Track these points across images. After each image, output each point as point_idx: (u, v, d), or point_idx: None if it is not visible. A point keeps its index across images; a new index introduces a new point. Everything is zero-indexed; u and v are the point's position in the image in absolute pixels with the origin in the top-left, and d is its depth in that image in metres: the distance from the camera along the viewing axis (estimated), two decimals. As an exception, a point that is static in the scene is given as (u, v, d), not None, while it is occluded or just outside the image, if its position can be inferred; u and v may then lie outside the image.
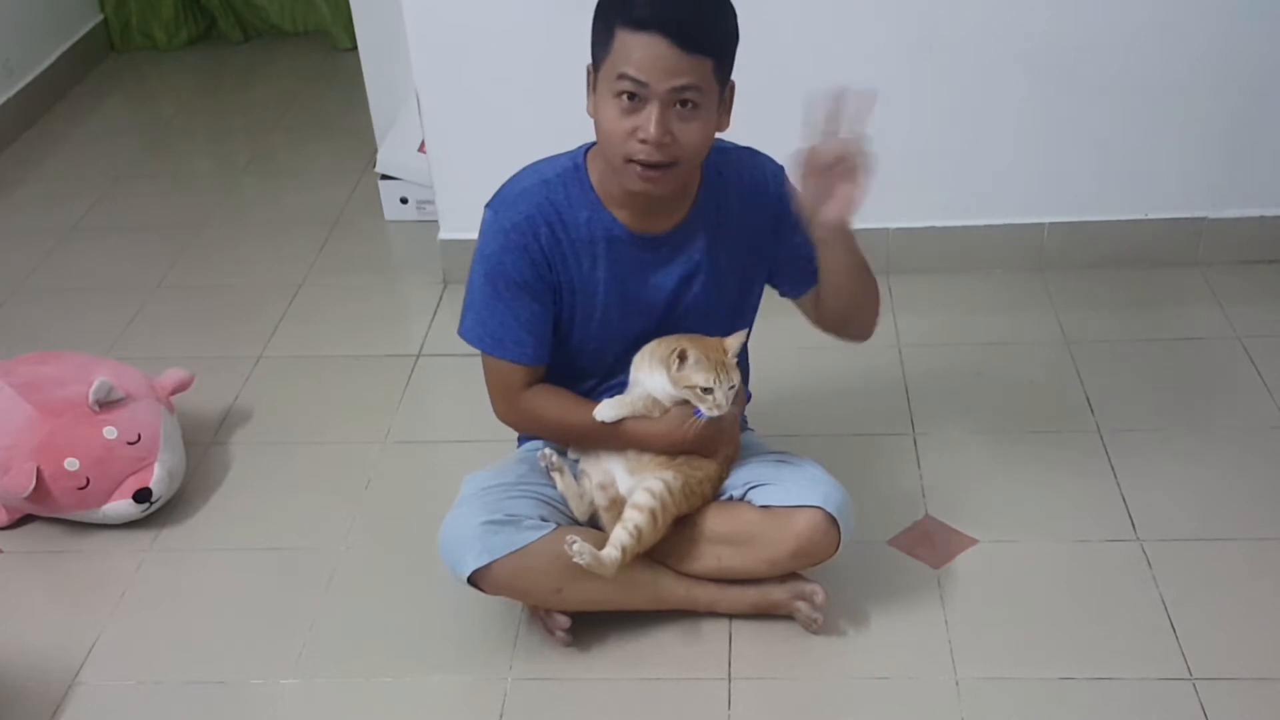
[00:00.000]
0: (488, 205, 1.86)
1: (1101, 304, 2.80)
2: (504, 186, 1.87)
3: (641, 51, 1.65)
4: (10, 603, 2.19)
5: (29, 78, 4.10)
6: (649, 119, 1.67)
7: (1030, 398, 2.53)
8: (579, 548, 1.81)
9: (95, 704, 1.97)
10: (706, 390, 1.83)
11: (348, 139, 3.80)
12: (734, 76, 2.48)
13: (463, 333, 1.91)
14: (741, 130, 2.59)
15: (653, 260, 1.87)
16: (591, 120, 1.77)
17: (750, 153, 1.92)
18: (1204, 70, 2.69)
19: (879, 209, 2.88)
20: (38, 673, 2.02)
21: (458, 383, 2.67)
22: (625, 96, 1.68)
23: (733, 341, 1.86)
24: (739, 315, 1.98)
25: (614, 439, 1.91)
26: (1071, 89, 2.72)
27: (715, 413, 1.84)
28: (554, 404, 1.92)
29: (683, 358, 1.82)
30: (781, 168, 1.90)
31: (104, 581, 2.21)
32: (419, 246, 3.17)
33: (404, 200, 3.34)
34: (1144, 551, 2.11)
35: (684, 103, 1.69)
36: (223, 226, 3.43)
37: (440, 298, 2.99)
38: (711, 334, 1.90)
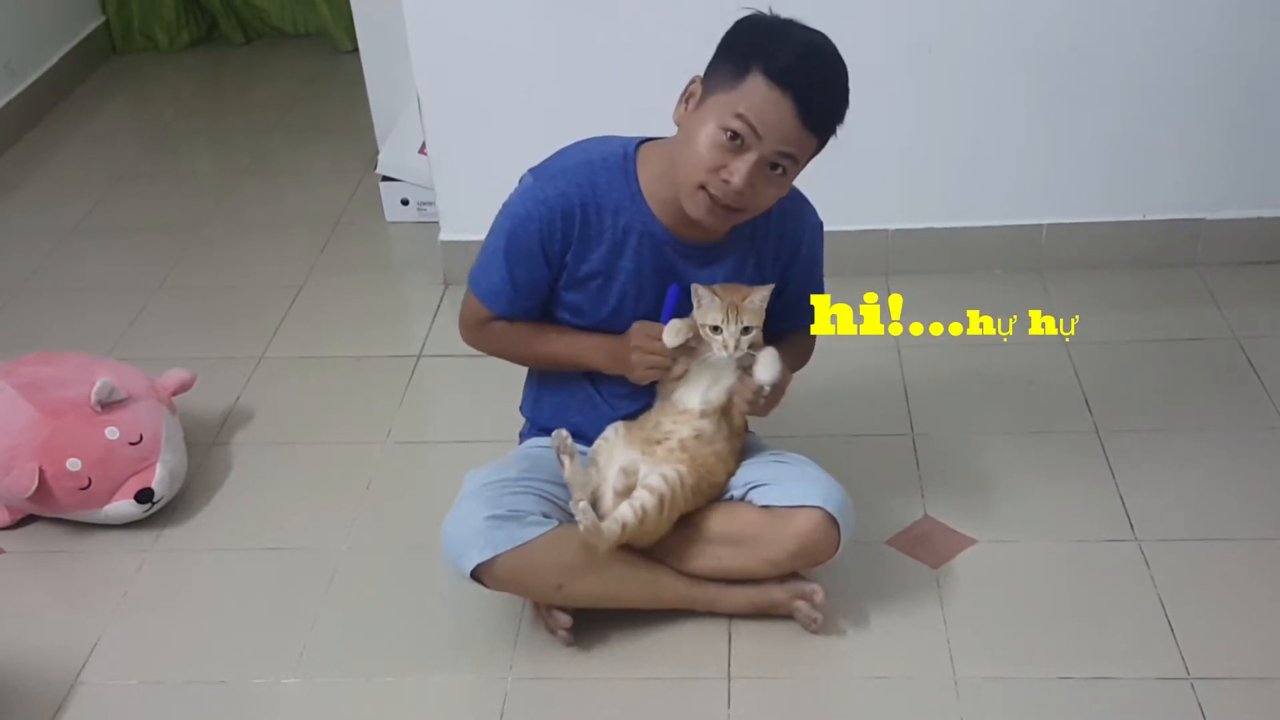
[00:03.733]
0: (531, 170, 1.89)
1: (1100, 305, 2.81)
2: (551, 157, 1.90)
3: (768, 105, 1.68)
4: (12, 603, 2.20)
5: (31, 79, 4.11)
6: (742, 166, 1.71)
7: (1029, 398, 2.53)
8: (584, 506, 1.83)
9: (97, 704, 1.97)
10: (715, 329, 1.85)
11: (349, 140, 3.80)
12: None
13: (472, 277, 1.97)
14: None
15: (682, 265, 1.90)
16: (667, 126, 1.80)
17: (802, 198, 1.96)
18: (1204, 70, 2.70)
19: (879, 209, 2.92)
20: (39, 672, 2.02)
21: (459, 383, 2.68)
22: (730, 134, 1.70)
23: (758, 292, 1.87)
24: None
25: (561, 358, 1.96)
26: (1071, 90, 2.73)
27: (723, 354, 1.86)
28: (516, 330, 1.97)
29: (701, 296, 1.86)
30: (821, 223, 2.00)
31: (106, 581, 2.21)
32: (420, 248, 3.18)
33: (405, 201, 3.34)
34: (1142, 551, 2.12)
35: (777, 166, 1.73)
36: (224, 227, 3.44)
37: (441, 298, 3.00)
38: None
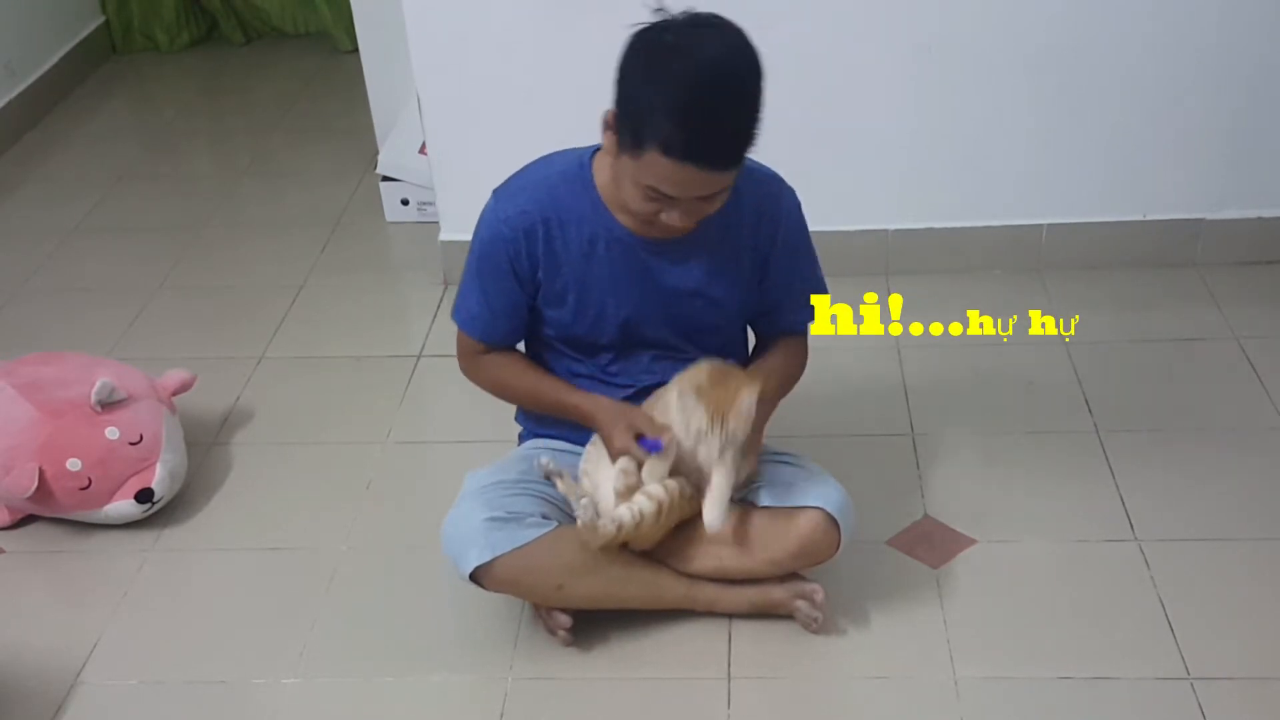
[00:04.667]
0: (494, 190, 1.89)
1: (1100, 305, 2.81)
2: (511, 177, 1.90)
3: (674, 177, 1.65)
4: (12, 603, 2.20)
5: (31, 79, 4.11)
6: (677, 213, 1.71)
7: (1029, 398, 2.53)
8: (586, 503, 1.84)
9: (97, 704, 1.97)
10: (699, 433, 1.80)
11: (349, 140, 3.80)
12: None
13: (454, 313, 1.98)
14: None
15: (655, 264, 1.88)
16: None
17: (774, 178, 1.92)
18: (1204, 71, 2.69)
19: (879, 209, 2.92)
20: (40, 672, 2.02)
21: (459, 383, 2.65)
22: (651, 195, 1.69)
23: (747, 396, 1.78)
24: (735, 319, 2.00)
25: (556, 409, 1.95)
26: (1071, 90, 2.73)
27: (707, 459, 1.82)
28: (512, 369, 1.98)
29: (688, 396, 1.80)
30: (798, 203, 1.94)
31: (106, 581, 2.21)
32: (420, 248, 3.18)
33: (405, 201, 3.34)
34: (1142, 551, 2.12)
35: (709, 198, 1.71)
36: (224, 227, 3.44)
37: (441, 299, 3.00)
38: (709, 333, 1.93)
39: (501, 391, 2.04)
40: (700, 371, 1.84)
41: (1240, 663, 1.90)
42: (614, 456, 1.87)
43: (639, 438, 1.84)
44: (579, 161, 1.86)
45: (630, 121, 1.66)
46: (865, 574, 2.08)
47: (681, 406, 1.81)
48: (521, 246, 1.85)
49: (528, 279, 1.88)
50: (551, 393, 1.96)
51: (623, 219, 1.84)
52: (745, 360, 2.07)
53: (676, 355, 1.95)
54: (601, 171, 1.84)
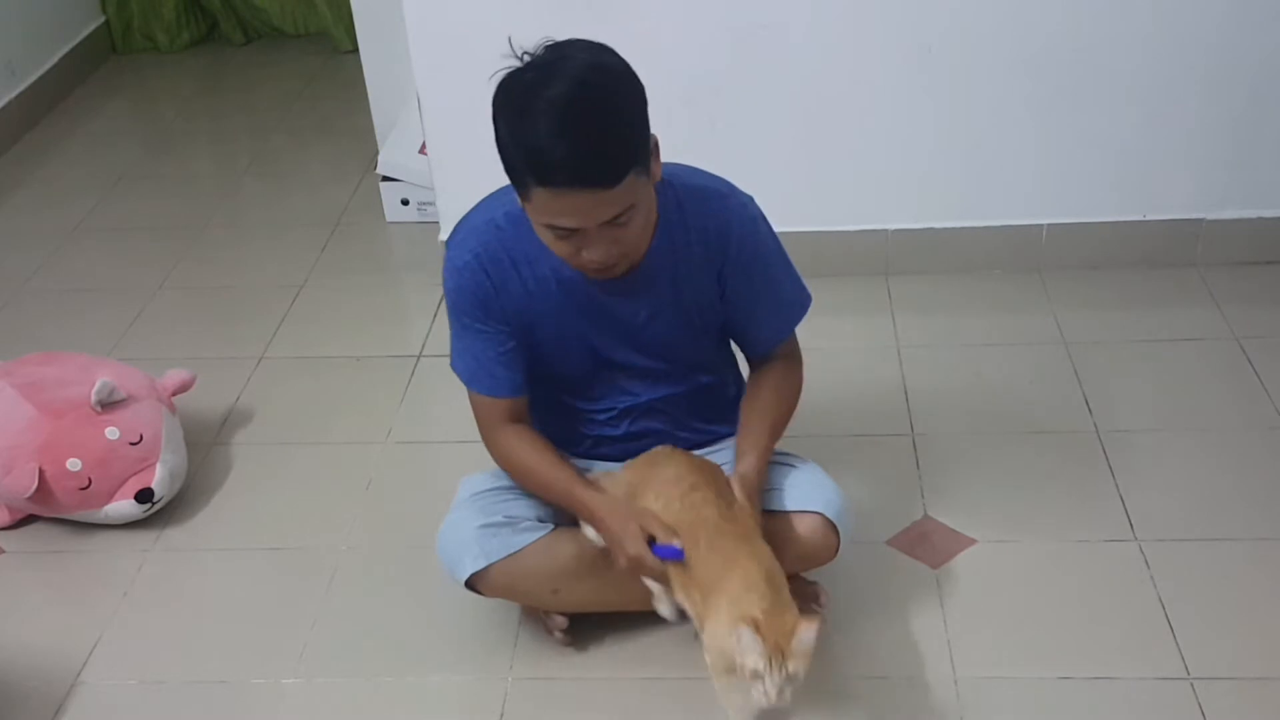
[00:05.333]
0: (446, 241, 1.84)
1: (1100, 305, 2.81)
2: (460, 221, 1.85)
3: (566, 207, 1.58)
4: (12, 603, 2.20)
5: (31, 79, 4.11)
6: (590, 246, 1.63)
7: (1029, 398, 2.53)
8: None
9: (97, 704, 1.97)
10: (755, 674, 1.59)
11: (349, 141, 3.80)
12: (733, 76, 2.48)
13: (452, 364, 1.91)
14: (741, 128, 2.61)
15: (611, 301, 1.82)
16: None
17: (719, 194, 1.82)
18: (1204, 70, 2.69)
19: (879, 209, 2.92)
20: (40, 672, 2.02)
21: (458, 384, 2.66)
22: (557, 233, 1.63)
23: (806, 632, 1.61)
24: (704, 336, 1.93)
25: (565, 501, 1.86)
26: (1071, 90, 2.73)
27: (762, 702, 1.60)
28: (526, 453, 1.87)
29: (742, 634, 1.59)
30: (753, 214, 1.83)
31: (106, 581, 2.21)
32: (420, 248, 3.18)
33: (405, 202, 3.34)
34: (1142, 551, 2.12)
35: (619, 221, 1.62)
36: (224, 228, 3.44)
37: (441, 298, 2.99)
38: (676, 357, 1.89)
39: (517, 473, 1.90)
40: (751, 595, 1.64)
41: (1240, 663, 1.90)
42: (625, 565, 1.75)
43: (651, 541, 1.73)
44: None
45: (512, 169, 1.61)
46: (865, 574, 2.08)
47: (736, 642, 1.60)
48: (486, 286, 1.79)
49: (499, 317, 1.82)
50: (560, 483, 1.84)
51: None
52: (726, 377, 2.02)
53: (652, 374, 1.92)
54: None
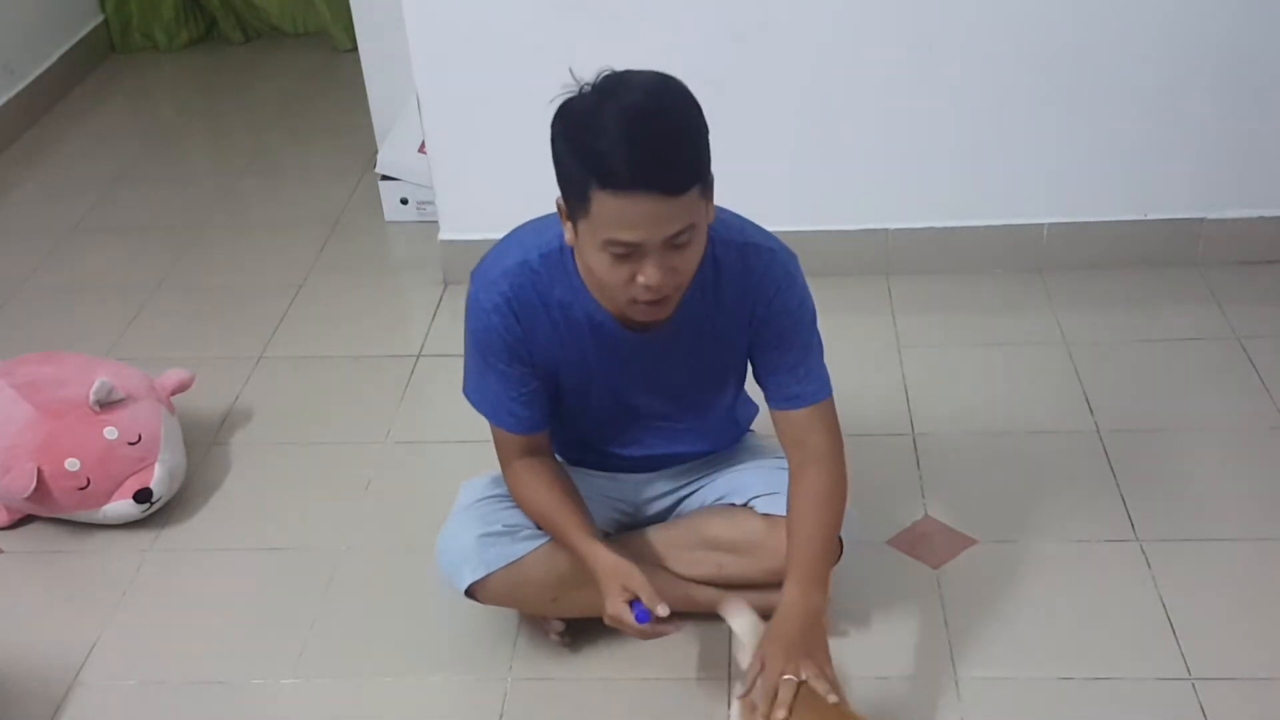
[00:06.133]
0: (473, 274, 1.79)
1: (1101, 304, 2.80)
2: (488, 258, 1.79)
3: (629, 214, 1.52)
4: (11, 603, 2.20)
5: (30, 78, 4.10)
6: (648, 267, 1.56)
7: (1029, 398, 2.53)
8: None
9: (96, 704, 1.97)
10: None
11: (348, 139, 3.80)
12: (734, 75, 2.48)
13: (466, 393, 1.88)
14: (741, 128, 2.60)
15: (639, 345, 1.79)
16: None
17: (757, 250, 1.76)
18: (1205, 70, 2.69)
19: (879, 209, 2.91)
20: (38, 673, 2.02)
21: (458, 384, 2.66)
22: (616, 254, 1.56)
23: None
24: (724, 389, 1.92)
25: (565, 545, 1.84)
26: (1071, 89, 2.73)
27: None
28: (535, 491, 1.85)
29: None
30: (790, 273, 1.77)
31: (105, 582, 2.21)
32: (419, 247, 3.18)
33: (404, 201, 3.34)
34: (1143, 551, 2.12)
35: (679, 243, 1.57)
36: (223, 227, 3.43)
37: (440, 298, 2.99)
38: (695, 401, 1.89)
39: (525, 507, 1.89)
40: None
41: (1241, 663, 1.90)
42: (607, 621, 1.76)
43: (633, 603, 1.72)
44: (560, 244, 1.73)
45: (572, 184, 1.56)
46: (865, 574, 2.08)
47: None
48: (515, 327, 1.75)
49: (528, 358, 1.79)
50: (564, 528, 1.81)
51: (606, 304, 1.75)
52: (736, 409, 2.00)
53: (673, 424, 1.93)
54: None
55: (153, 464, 2.30)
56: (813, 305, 1.81)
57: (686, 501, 2.02)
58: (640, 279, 1.58)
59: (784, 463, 1.97)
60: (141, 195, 3.63)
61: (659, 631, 1.74)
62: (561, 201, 1.62)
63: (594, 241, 1.57)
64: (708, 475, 2.01)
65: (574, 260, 1.72)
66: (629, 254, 1.56)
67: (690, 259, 1.60)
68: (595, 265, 1.60)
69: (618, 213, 1.52)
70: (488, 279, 1.76)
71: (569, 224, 1.62)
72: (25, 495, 2.23)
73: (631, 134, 1.50)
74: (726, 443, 2.03)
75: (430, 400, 2.67)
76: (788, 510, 1.82)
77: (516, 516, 1.90)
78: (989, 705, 1.86)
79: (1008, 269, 2.92)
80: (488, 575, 1.85)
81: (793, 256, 1.79)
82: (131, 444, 2.28)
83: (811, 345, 1.83)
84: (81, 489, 2.25)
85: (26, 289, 3.17)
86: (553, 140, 1.58)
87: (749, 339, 1.81)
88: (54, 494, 2.25)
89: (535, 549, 1.87)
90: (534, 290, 1.74)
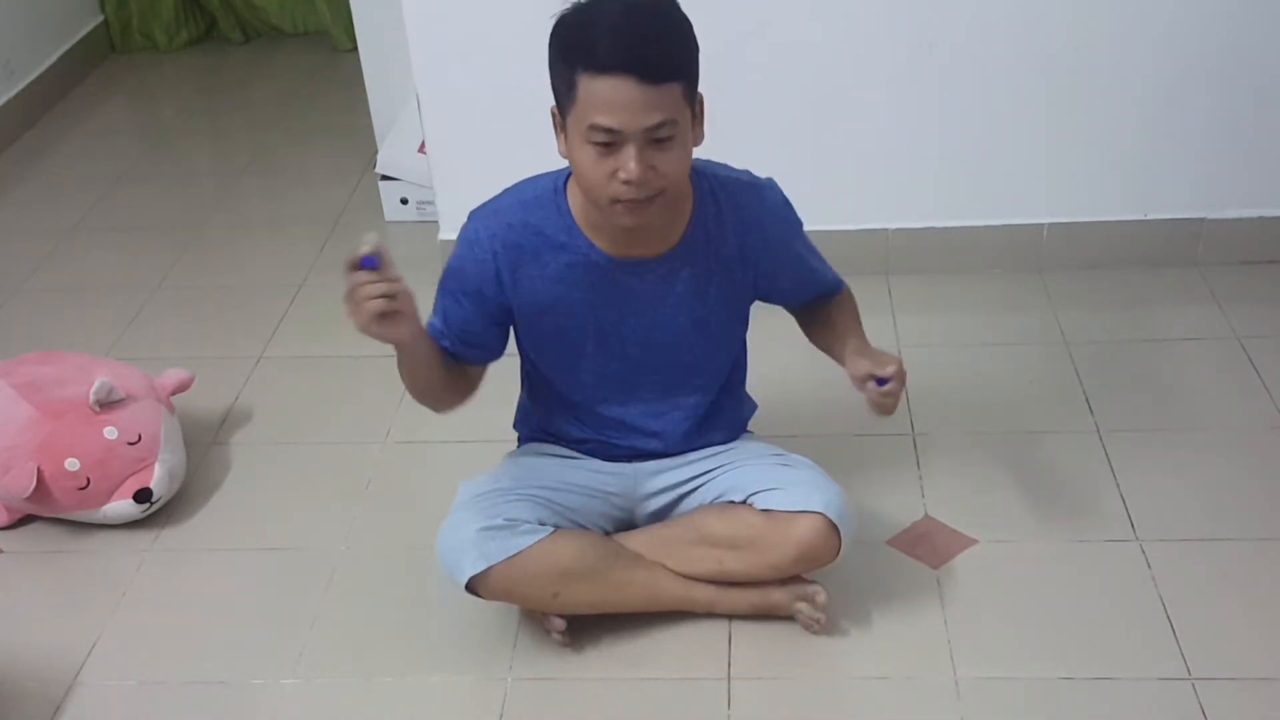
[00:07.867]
0: (470, 213, 1.87)
1: (1101, 304, 2.80)
2: (489, 200, 1.87)
3: (609, 96, 1.60)
4: (11, 603, 2.19)
5: (30, 78, 4.10)
6: (628, 159, 1.62)
7: (1029, 398, 2.53)
8: None
9: (96, 704, 1.97)
10: None
11: (348, 139, 3.80)
12: (734, 75, 2.49)
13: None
14: (742, 129, 2.60)
15: (638, 286, 1.84)
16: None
17: (752, 185, 1.88)
18: (1205, 69, 2.69)
19: (879, 209, 2.91)
20: (38, 673, 2.02)
21: (458, 383, 2.67)
22: (598, 144, 1.63)
23: None
24: (728, 340, 1.97)
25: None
26: (1071, 89, 2.73)
27: None
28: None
29: None
30: (784, 200, 1.90)
31: (105, 582, 2.21)
32: (419, 247, 3.17)
33: (404, 201, 3.34)
34: (1143, 551, 2.12)
35: (660, 138, 1.63)
36: (223, 227, 3.43)
37: (440, 298, 2.99)
38: (695, 356, 1.91)
39: (407, 381, 1.96)
40: None
41: (1242, 663, 1.90)
42: (363, 320, 1.85)
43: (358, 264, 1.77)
44: (553, 186, 1.82)
45: (561, 79, 1.65)
46: (865, 574, 2.08)
47: None
48: (490, 269, 1.82)
49: (494, 302, 1.84)
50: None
51: (599, 242, 1.80)
52: (744, 369, 2.06)
53: (669, 384, 1.95)
54: (575, 195, 1.80)
55: (152, 464, 2.30)
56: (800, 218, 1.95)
57: (685, 501, 2.02)
58: (621, 174, 1.64)
59: (782, 459, 1.99)
60: (141, 195, 3.63)
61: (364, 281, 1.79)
62: (555, 110, 1.70)
63: (579, 134, 1.64)
64: (707, 474, 2.01)
65: (568, 203, 1.80)
66: (610, 144, 1.62)
67: (671, 161, 1.66)
68: (580, 162, 1.67)
69: (599, 96, 1.60)
70: (482, 215, 1.86)
71: (561, 135, 1.70)
72: (25, 495, 2.23)
73: (617, 21, 1.61)
74: (724, 430, 2.03)
75: (430, 400, 2.67)
76: (818, 321, 2.03)
77: (517, 510, 1.90)
78: (989, 705, 1.86)
79: (1008, 269, 2.92)
80: (488, 568, 1.85)
81: (774, 182, 1.91)
82: (131, 444, 2.28)
83: (813, 250, 1.99)
84: (81, 489, 2.25)
85: (26, 289, 3.17)
86: (549, 52, 1.67)
87: (753, 273, 1.89)
88: (54, 494, 2.25)
89: (537, 542, 1.87)
90: (524, 229, 1.81)
